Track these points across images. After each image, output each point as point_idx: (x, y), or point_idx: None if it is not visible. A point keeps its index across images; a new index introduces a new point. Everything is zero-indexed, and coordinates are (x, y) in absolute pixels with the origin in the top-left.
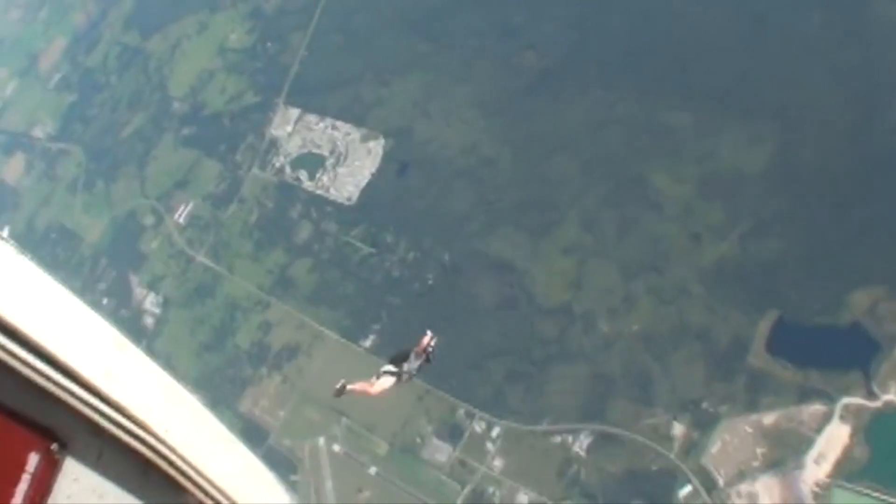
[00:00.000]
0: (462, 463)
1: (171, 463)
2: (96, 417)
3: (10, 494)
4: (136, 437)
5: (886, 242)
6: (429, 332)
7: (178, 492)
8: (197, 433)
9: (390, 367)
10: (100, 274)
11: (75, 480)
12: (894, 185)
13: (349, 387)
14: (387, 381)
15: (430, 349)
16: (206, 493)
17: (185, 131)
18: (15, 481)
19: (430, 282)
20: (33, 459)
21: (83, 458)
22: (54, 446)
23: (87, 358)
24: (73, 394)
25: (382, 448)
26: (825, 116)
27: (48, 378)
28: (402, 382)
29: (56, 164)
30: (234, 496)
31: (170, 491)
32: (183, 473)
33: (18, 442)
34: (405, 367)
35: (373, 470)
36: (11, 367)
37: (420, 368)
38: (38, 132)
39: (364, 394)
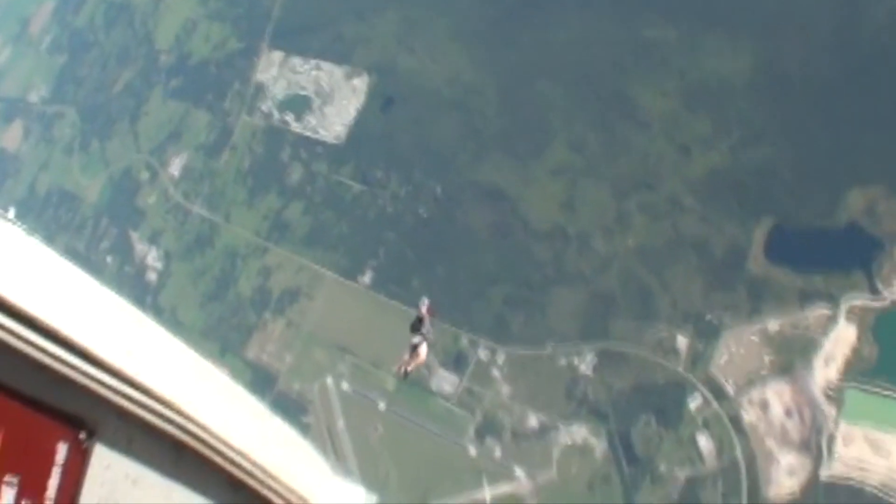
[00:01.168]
0: (470, 392)
1: (203, 441)
2: (123, 401)
3: (44, 488)
4: (166, 418)
5: (879, 140)
6: (424, 300)
7: (213, 470)
8: (227, 408)
9: (416, 338)
10: (102, 233)
11: (107, 468)
12: (882, 83)
13: (408, 368)
14: (424, 347)
15: (431, 310)
16: (243, 469)
17: (174, 83)
18: (47, 474)
19: (424, 214)
20: (62, 450)
21: (113, 445)
22: (83, 434)
23: (107, 340)
24: (96, 379)
25: (390, 383)
26: (808, 19)
27: (70, 365)
28: (429, 342)
29: (52, 127)
30: (272, 469)
31: (205, 469)
32: (217, 451)
33: (45, 433)
34: (424, 330)
35: (382, 406)
36: (31, 356)
37: (433, 325)
38: (34, 96)
39: (420, 364)
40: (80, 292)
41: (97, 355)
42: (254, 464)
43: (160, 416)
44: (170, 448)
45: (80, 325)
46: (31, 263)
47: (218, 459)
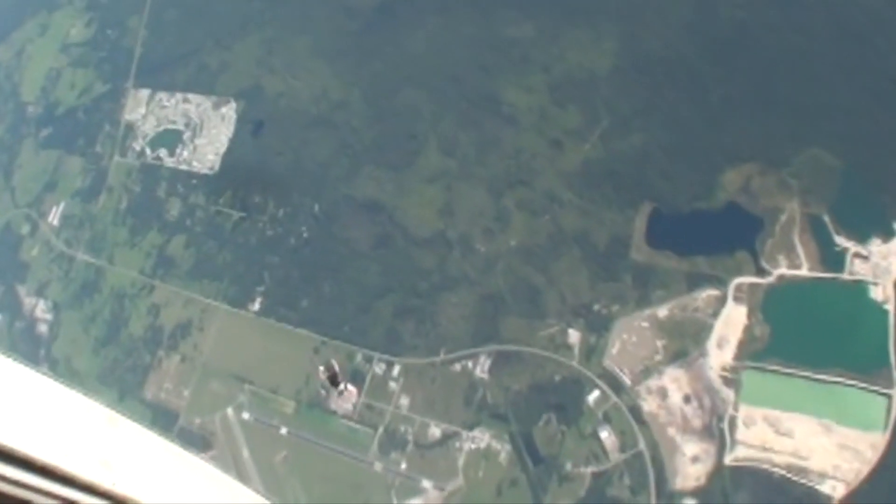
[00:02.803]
0: (369, 407)
1: None
2: None
3: None
4: None
5: (747, 119)
6: (332, 363)
7: None
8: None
9: (341, 387)
10: None
11: None
12: (744, 62)
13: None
14: (349, 386)
15: (336, 368)
16: None
17: (44, 133)
18: None
19: (305, 234)
20: None
21: None
22: None
23: (79, 456)
24: (70, 501)
25: (290, 407)
26: (664, 4)
27: (42, 491)
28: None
29: None
30: None
31: None
32: None
33: None
34: (339, 379)
35: (284, 430)
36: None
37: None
38: None
39: (356, 395)
40: (41, 401)
41: (69, 473)
42: None
43: None
44: None
45: (45, 441)
46: None
47: None
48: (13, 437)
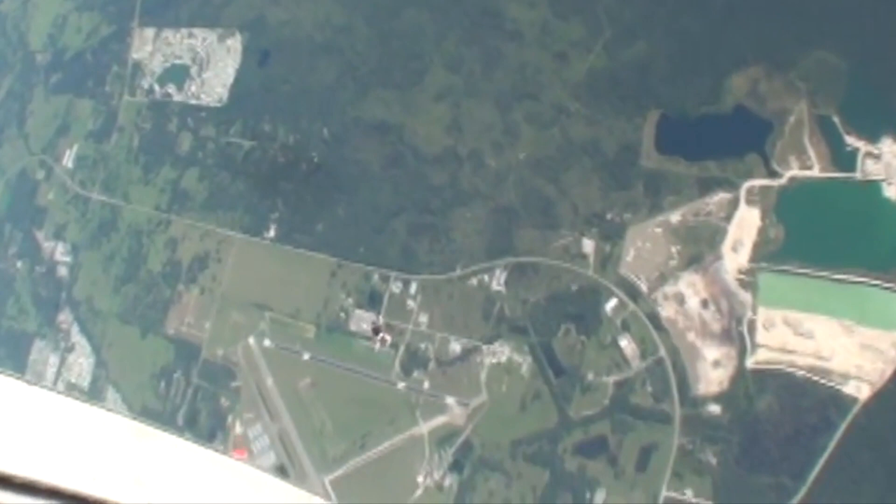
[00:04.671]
0: (389, 327)
1: None
2: None
3: None
4: None
5: (752, 23)
6: (380, 318)
7: None
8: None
9: (380, 336)
10: (7, 240)
11: None
12: None
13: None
14: (388, 338)
15: (380, 324)
16: None
17: (53, 79)
18: None
19: (316, 159)
20: None
21: None
22: None
23: (109, 477)
24: None
25: (310, 331)
26: None
27: None
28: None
29: None
30: None
31: None
32: None
33: None
34: (381, 331)
35: (307, 356)
36: None
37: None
38: None
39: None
40: (60, 422)
41: (101, 498)
42: None
43: None
44: None
45: (70, 466)
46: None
47: None
48: (34, 467)
